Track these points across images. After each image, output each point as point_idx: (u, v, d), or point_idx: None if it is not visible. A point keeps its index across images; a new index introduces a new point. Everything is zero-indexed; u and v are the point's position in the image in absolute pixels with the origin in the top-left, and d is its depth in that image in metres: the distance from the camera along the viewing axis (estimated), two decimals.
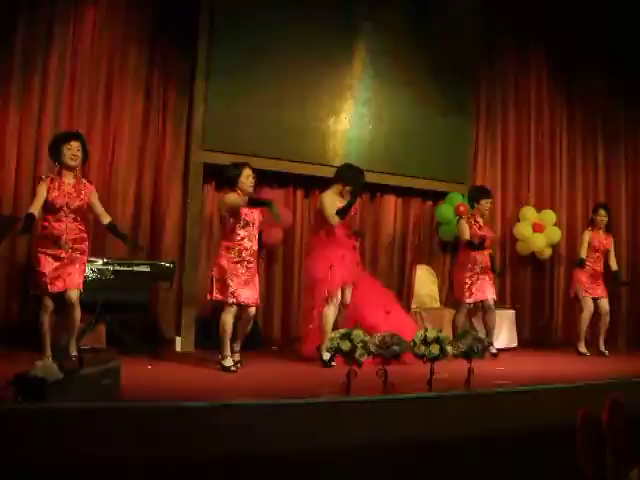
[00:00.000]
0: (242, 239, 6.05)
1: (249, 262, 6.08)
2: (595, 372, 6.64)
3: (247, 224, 6.09)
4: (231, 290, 5.95)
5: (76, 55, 7.41)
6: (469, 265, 7.65)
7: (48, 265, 5.52)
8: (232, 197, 6.08)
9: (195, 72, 7.65)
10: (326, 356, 6.17)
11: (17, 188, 7.06)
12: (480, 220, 7.78)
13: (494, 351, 7.56)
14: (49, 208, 5.59)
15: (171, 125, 7.88)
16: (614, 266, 8.52)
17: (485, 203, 7.77)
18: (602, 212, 8.48)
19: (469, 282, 7.63)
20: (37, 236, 5.69)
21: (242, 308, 6.06)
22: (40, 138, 7.14)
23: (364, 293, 6.99)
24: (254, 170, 6.28)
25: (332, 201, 6.74)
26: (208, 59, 7.61)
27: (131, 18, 7.75)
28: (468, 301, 7.64)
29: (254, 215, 6.15)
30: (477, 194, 7.92)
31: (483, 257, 7.72)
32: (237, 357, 6.15)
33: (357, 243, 7.04)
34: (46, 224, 5.59)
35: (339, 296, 6.70)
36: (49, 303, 5.56)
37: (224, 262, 6.01)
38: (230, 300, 5.96)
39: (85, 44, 7.46)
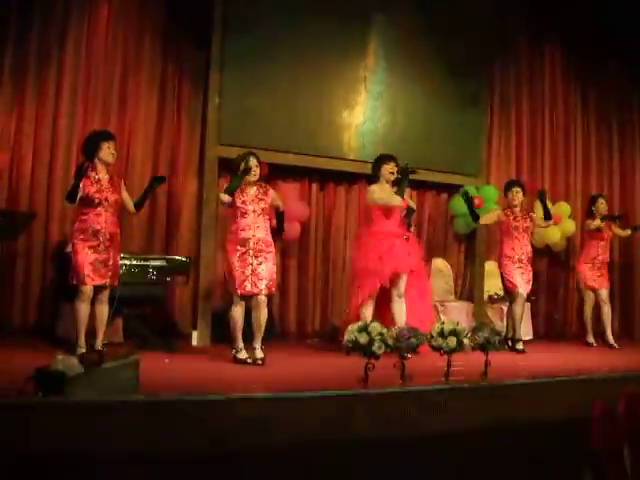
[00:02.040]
0: (242, 229, 6.03)
1: (257, 250, 6.01)
2: (611, 365, 6.63)
3: (245, 213, 6.05)
4: (237, 282, 5.93)
5: (91, 49, 7.44)
6: (515, 256, 7.62)
7: (87, 257, 5.73)
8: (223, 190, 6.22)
9: (209, 66, 7.65)
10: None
11: (33, 183, 7.11)
12: (517, 211, 7.73)
13: (520, 347, 7.52)
14: (88, 202, 5.79)
15: (186, 118, 7.91)
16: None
17: (509, 193, 7.77)
18: (602, 200, 8.62)
19: (519, 272, 7.60)
20: (76, 228, 5.83)
21: (251, 298, 6.03)
22: (56, 133, 7.21)
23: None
24: (259, 159, 6.21)
25: (382, 188, 6.86)
26: (222, 53, 7.60)
27: (145, 11, 7.77)
28: (521, 291, 7.58)
29: (253, 203, 6.09)
30: (506, 186, 7.96)
31: (526, 248, 7.71)
32: (259, 353, 5.99)
33: (409, 233, 6.98)
34: (85, 217, 5.78)
35: (374, 295, 6.75)
36: (87, 292, 5.74)
37: (230, 255, 6.03)
38: (238, 292, 5.96)
39: (99, 38, 7.50)
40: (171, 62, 7.88)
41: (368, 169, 8.37)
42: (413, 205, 7.20)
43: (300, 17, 7.99)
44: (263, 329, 6.09)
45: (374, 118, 8.43)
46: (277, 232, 6.37)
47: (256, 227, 6.05)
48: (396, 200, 6.74)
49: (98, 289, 5.83)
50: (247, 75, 7.67)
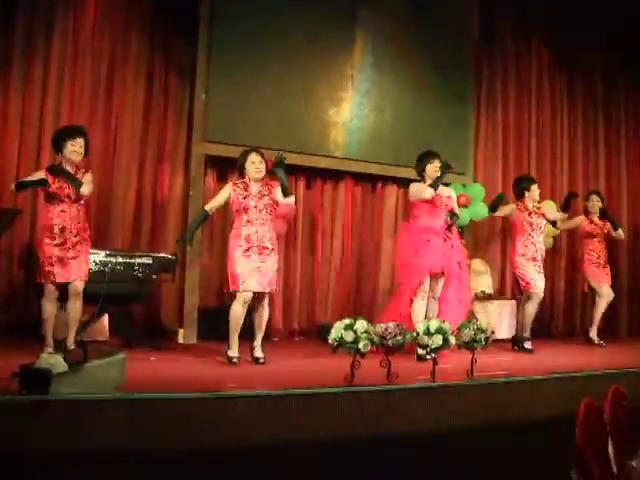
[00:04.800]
0: (245, 225, 5.95)
1: (261, 247, 5.92)
2: (596, 362, 6.66)
3: (247, 209, 5.97)
4: (241, 279, 5.83)
5: (77, 42, 7.42)
6: (528, 253, 7.57)
7: (53, 254, 5.64)
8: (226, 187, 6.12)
9: (196, 63, 7.65)
10: (420, 351, 6.08)
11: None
12: (530, 206, 7.67)
13: (529, 347, 7.50)
14: (52, 198, 5.70)
15: (173, 113, 7.91)
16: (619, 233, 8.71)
17: (535, 188, 7.70)
18: (595, 197, 8.59)
19: (534, 270, 7.54)
20: (41, 226, 5.79)
21: (253, 296, 5.92)
22: (42, 126, 7.17)
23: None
24: (263, 156, 6.13)
25: (420, 184, 6.69)
26: (209, 49, 7.62)
27: (132, 5, 7.76)
28: (537, 290, 7.53)
29: (255, 199, 6.01)
30: (524, 182, 7.84)
31: (539, 245, 7.65)
32: (259, 353, 5.99)
33: (451, 234, 6.78)
34: (50, 215, 5.69)
35: (427, 287, 6.56)
36: (52, 290, 5.68)
37: (232, 251, 5.93)
38: (241, 289, 5.84)
39: (86, 31, 7.47)
40: (158, 56, 7.87)
41: (354, 167, 8.45)
42: (457, 210, 6.99)
43: (287, 14, 8.01)
44: (264, 328, 6.06)
45: (361, 115, 8.44)
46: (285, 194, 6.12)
47: (260, 223, 5.97)
48: (427, 193, 6.52)
49: (66, 285, 5.73)
50: (234, 72, 7.68)
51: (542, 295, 7.64)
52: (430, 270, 6.57)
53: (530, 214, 7.63)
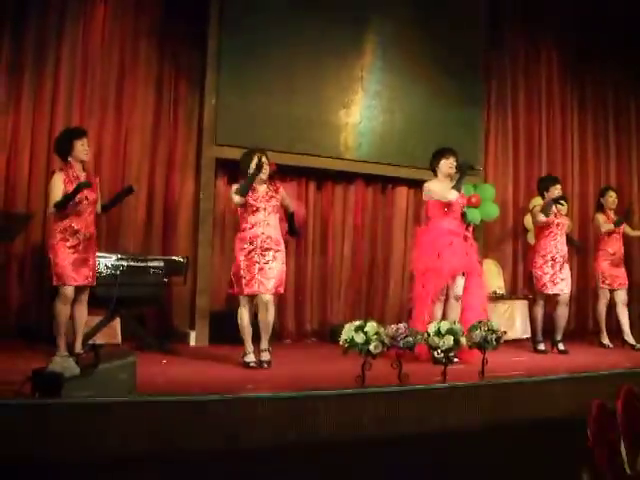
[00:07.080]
0: (252, 227, 5.91)
1: (264, 249, 5.86)
2: (608, 363, 6.63)
3: (255, 210, 5.92)
4: (244, 282, 5.79)
5: (87, 49, 7.44)
6: (548, 255, 7.41)
7: (68, 257, 5.63)
8: (233, 189, 6.01)
9: (206, 66, 7.67)
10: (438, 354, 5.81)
11: (30, 184, 7.10)
12: (555, 208, 7.46)
13: (562, 348, 7.41)
14: None
15: (183, 119, 7.90)
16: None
17: (554, 190, 7.50)
18: (612, 193, 8.31)
19: (550, 272, 7.39)
20: (56, 228, 5.72)
21: (257, 298, 5.86)
22: (53, 133, 7.13)
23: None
24: (268, 157, 6.08)
25: (439, 183, 6.59)
26: (218, 54, 7.63)
27: (142, 11, 7.77)
28: (547, 292, 7.41)
29: (263, 201, 5.95)
30: (545, 183, 7.69)
31: (562, 246, 7.48)
32: (266, 356, 5.86)
33: (469, 233, 6.68)
34: (65, 217, 5.66)
35: (444, 292, 6.47)
36: (69, 293, 5.64)
37: (237, 254, 5.90)
38: (244, 292, 5.82)
39: (96, 38, 7.50)
40: (167, 62, 7.87)
41: (365, 169, 8.45)
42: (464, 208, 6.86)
43: (296, 16, 8.02)
44: (270, 330, 5.94)
45: (371, 117, 8.44)
46: (290, 234, 6.26)
47: (266, 225, 5.91)
48: (452, 195, 6.41)
49: (78, 290, 5.73)
50: (243, 75, 7.68)
51: (567, 297, 7.48)
52: (453, 273, 6.49)
53: (555, 214, 7.46)
